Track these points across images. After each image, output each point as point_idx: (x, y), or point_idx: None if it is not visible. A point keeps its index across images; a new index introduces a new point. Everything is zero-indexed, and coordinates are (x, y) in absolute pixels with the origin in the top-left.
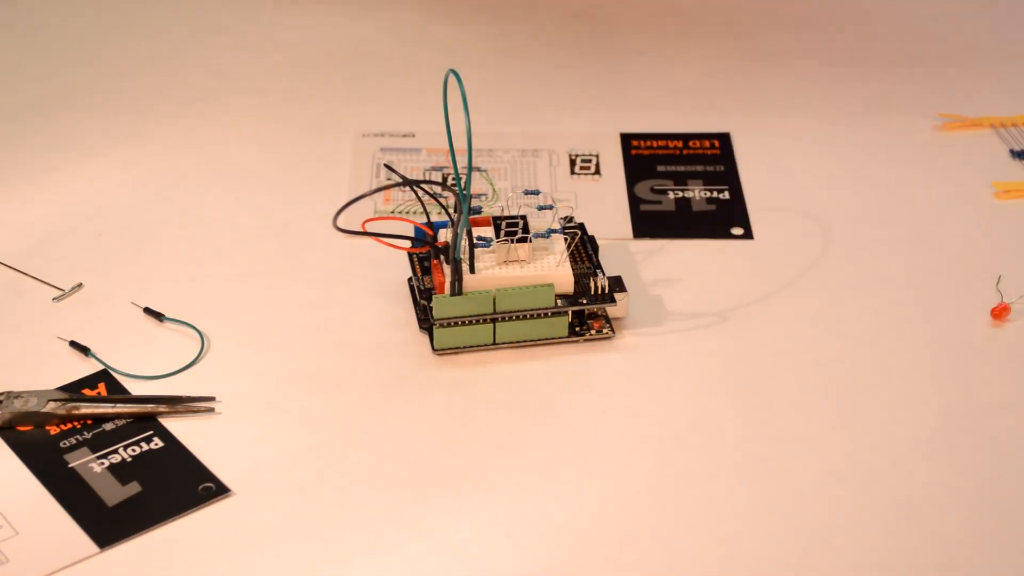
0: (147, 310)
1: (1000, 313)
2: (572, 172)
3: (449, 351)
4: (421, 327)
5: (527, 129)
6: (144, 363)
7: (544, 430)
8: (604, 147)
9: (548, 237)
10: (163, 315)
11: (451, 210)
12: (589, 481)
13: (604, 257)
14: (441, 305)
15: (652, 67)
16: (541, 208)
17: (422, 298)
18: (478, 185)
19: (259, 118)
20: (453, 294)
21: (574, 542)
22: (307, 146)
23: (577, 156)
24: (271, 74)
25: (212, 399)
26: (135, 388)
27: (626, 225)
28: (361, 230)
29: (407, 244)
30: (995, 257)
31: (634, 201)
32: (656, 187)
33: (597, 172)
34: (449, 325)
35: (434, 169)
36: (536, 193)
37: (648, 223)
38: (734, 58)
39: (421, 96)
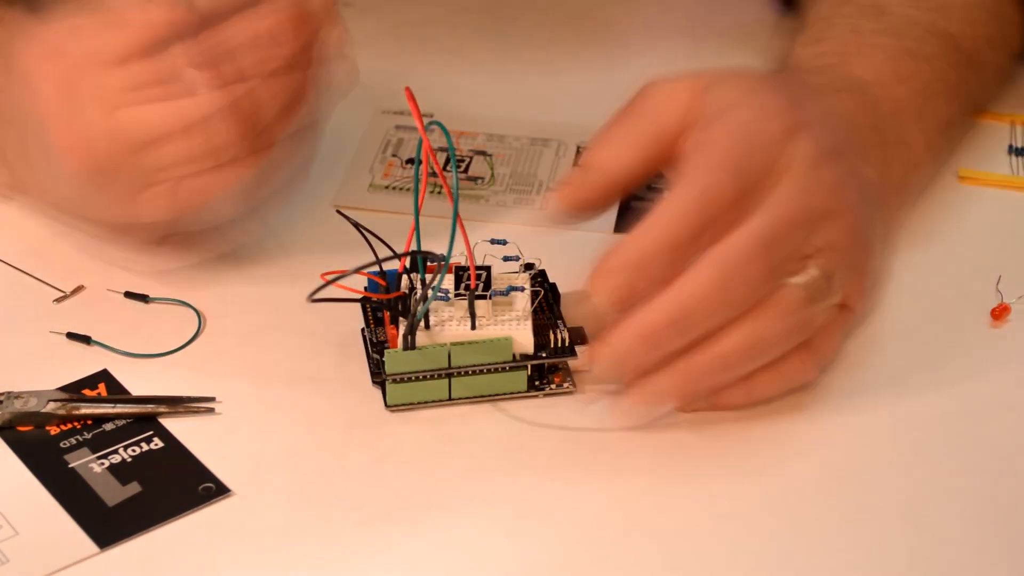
0: (128, 293)
1: (1000, 313)
2: (576, 163)
3: (403, 407)
4: (373, 381)
5: (539, 119)
6: (146, 350)
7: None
8: None
9: (508, 295)
10: (147, 296)
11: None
12: (589, 481)
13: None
14: (393, 360)
15: (664, 67)
16: (507, 259)
17: (374, 351)
18: (477, 168)
19: None
20: (406, 348)
21: (575, 543)
22: None
23: (584, 148)
24: None
25: (212, 399)
26: (138, 378)
27: (610, 218)
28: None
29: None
30: (995, 257)
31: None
32: (654, 184)
33: None
34: (402, 380)
35: (441, 150)
36: (503, 243)
37: (632, 219)
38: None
39: (421, 94)
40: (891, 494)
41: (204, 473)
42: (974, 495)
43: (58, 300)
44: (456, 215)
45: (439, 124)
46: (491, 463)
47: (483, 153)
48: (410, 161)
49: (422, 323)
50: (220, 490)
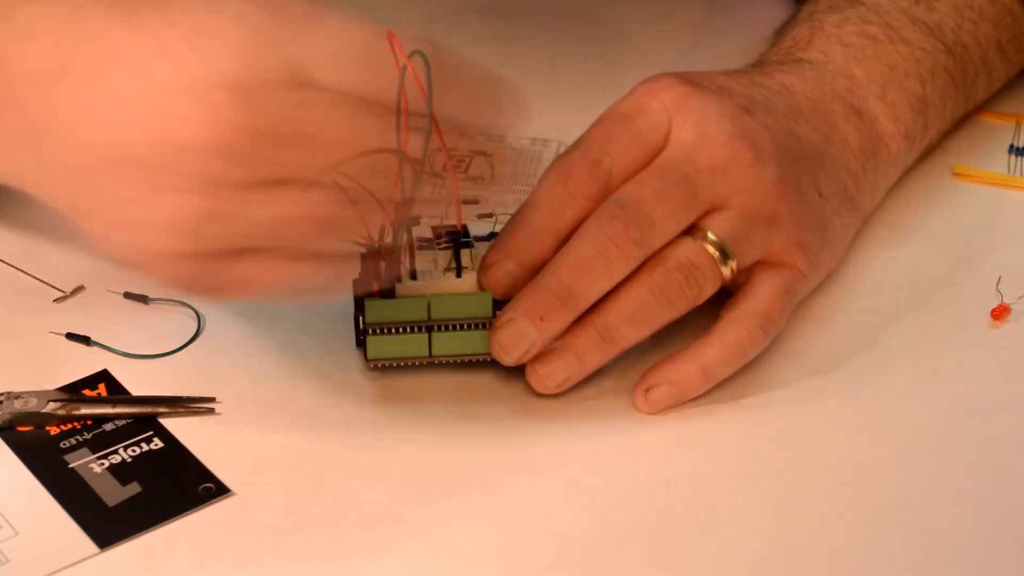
0: (128, 294)
1: (1000, 313)
2: None
3: (383, 362)
4: (357, 343)
5: (539, 119)
6: (146, 350)
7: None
8: None
9: (490, 241)
10: (147, 296)
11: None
12: (590, 481)
13: None
14: (374, 308)
15: (664, 66)
16: (481, 216)
17: (358, 310)
18: (477, 168)
19: None
20: (385, 296)
21: (575, 543)
22: None
23: None
24: None
25: (212, 399)
26: (138, 378)
27: None
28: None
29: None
30: (995, 257)
31: None
32: None
33: None
34: (382, 332)
35: (438, 149)
36: (475, 203)
37: None
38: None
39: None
40: (891, 494)
41: (204, 473)
42: (974, 495)
43: (58, 300)
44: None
45: (421, 55)
46: (491, 463)
47: (483, 153)
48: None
49: (407, 278)
50: (220, 490)
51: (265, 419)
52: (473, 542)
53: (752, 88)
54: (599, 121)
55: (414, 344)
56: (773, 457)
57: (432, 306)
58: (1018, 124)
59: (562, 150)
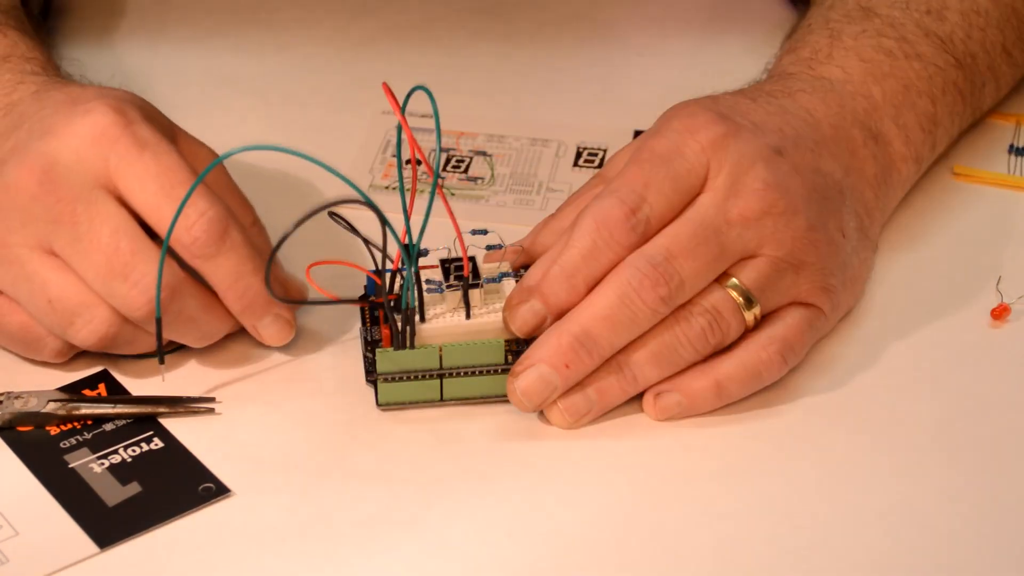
0: None
1: (1000, 313)
2: (575, 164)
3: (394, 406)
4: (367, 380)
5: (539, 119)
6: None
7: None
8: (616, 143)
9: (500, 281)
10: None
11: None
12: (590, 481)
13: None
14: (385, 359)
15: (664, 67)
16: (490, 248)
17: (368, 350)
18: (477, 168)
19: (260, 119)
20: (398, 348)
21: (575, 543)
22: (305, 149)
23: (584, 149)
24: (272, 76)
25: (212, 399)
26: (138, 378)
27: None
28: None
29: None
30: (995, 257)
31: None
32: None
33: (600, 167)
34: (394, 380)
35: (442, 150)
36: (484, 232)
37: None
38: (747, 62)
39: (420, 96)
40: (891, 494)
41: (204, 473)
42: (974, 495)
43: None
44: (433, 199)
45: (425, 89)
46: (491, 463)
47: (483, 153)
48: (408, 162)
49: (417, 318)
50: (220, 490)
51: (265, 419)
52: (473, 542)
53: (781, 118)
54: (636, 161)
55: (426, 389)
56: (773, 457)
57: (444, 355)
58: (1018, 124)
59: (562, 151)
